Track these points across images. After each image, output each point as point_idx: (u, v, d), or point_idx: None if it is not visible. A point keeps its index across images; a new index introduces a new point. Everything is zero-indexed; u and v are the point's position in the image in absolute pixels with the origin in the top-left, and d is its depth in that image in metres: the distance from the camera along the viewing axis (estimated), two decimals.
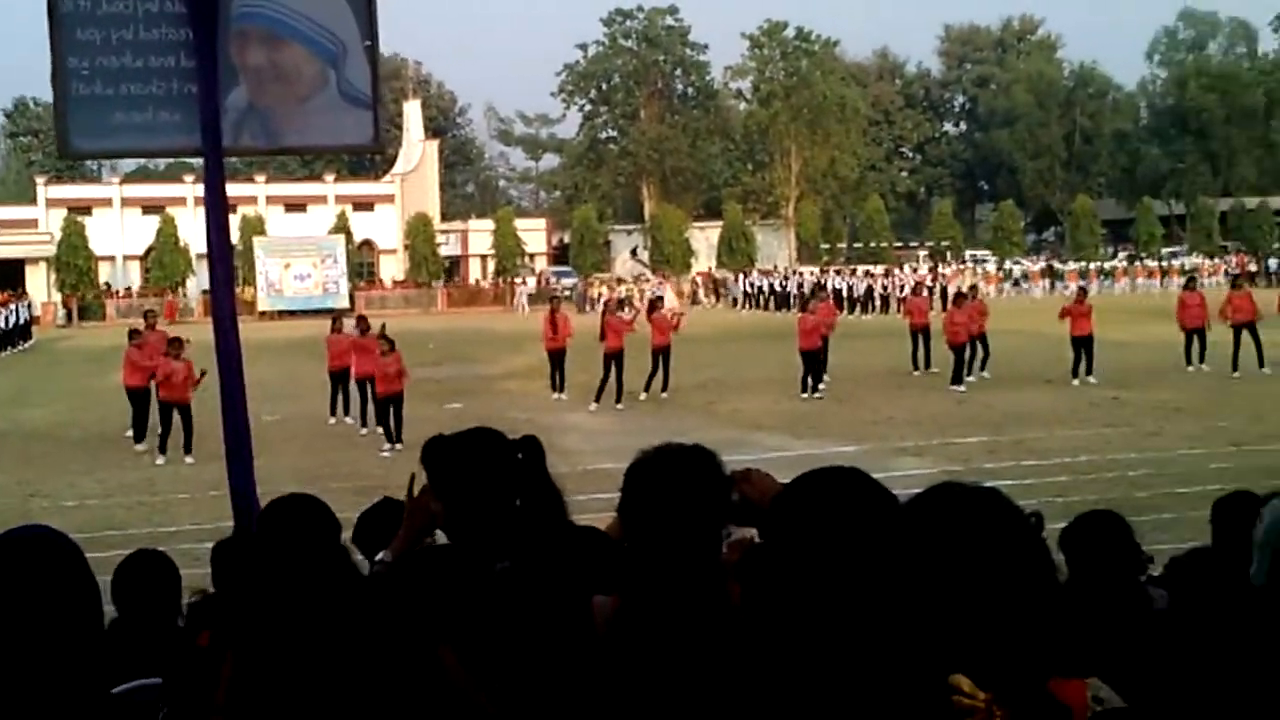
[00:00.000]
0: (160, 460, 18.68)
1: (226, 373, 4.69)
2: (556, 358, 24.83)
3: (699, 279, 71.14)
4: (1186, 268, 61.91)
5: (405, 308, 64.60)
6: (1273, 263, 67.67)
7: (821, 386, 24.04)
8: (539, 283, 66.25)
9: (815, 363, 23.99)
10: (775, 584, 2.16)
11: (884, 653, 1.87)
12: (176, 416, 18.77)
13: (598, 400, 23.11)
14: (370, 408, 20.78)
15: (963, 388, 24.08)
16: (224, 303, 4.79)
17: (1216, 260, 70.51)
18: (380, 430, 19.68)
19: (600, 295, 55.97)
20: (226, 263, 4.69)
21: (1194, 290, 26.50)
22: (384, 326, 21.05)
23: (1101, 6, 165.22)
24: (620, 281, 62.85)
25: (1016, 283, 67.31)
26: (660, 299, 28.35)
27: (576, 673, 2.68)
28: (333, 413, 22.41)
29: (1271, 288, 51.86)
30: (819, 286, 37.29)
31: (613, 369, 23.29)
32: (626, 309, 28.65)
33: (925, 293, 41.97)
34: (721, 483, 2.72)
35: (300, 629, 3.03)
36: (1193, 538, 6.66)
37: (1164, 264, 70.54)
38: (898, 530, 1.93)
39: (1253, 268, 62.75)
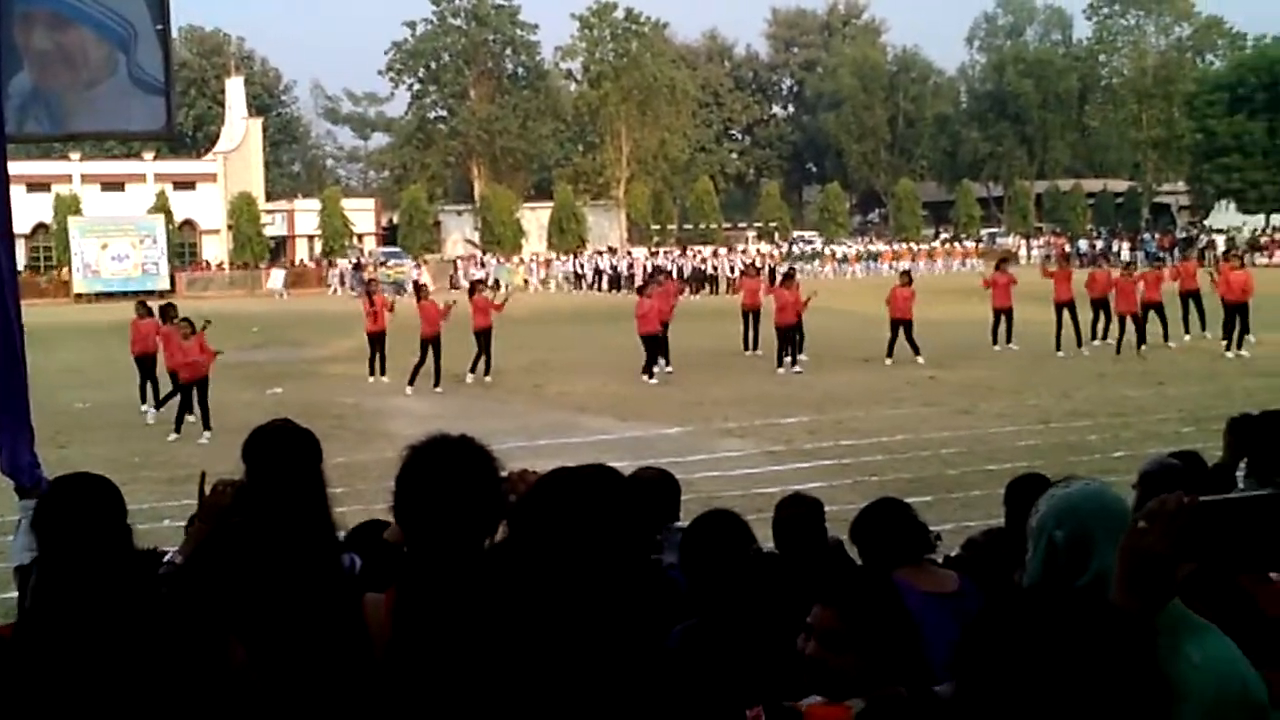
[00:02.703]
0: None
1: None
2: (376, 341, 24.51)
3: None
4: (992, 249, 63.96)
5: (230, 289, 63.18)
6: (1083, 244, 70.16)
7: (669, 370, 24.12)
8: (361, 265, 65.11)
9: (655, 346, 24.07)
10: (511, 577, 2.18)
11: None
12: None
13: (411, 384, 22.86)
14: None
15: (784, 370, 24.42)
16: (8, 287, 4.62)
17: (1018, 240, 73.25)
18: (192, 417, 18.95)
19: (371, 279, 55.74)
20: (9, 249, 4.52)
21: (1005, 271, 27.21)
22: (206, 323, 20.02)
23: None
24: (379, 266, 61.93)
25: (843, 261, 68.53)
26: (482, 281, 28.22)
27: (346, 671, 2.65)
28: (144, 400, 21.61)
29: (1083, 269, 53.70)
30: (658, 270, 37.38)
31: (429, 352, 23.12)
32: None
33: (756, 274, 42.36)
34: (492, 477, 2.72)
35: (80, 606, 2.97)
36: (1000, 514, 6.87)
37: (981, 245, 72.74)
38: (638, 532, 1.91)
39: (1068, 248, 64.92)
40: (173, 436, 18.36)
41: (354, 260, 65.86)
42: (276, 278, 63.32)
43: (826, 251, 70.09)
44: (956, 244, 73.14)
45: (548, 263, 68.09)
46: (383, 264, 63.14)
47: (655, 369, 23.91)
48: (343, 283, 63.10)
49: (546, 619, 2.08)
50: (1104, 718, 1.62)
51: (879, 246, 72.27)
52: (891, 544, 4.53)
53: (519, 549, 2.21)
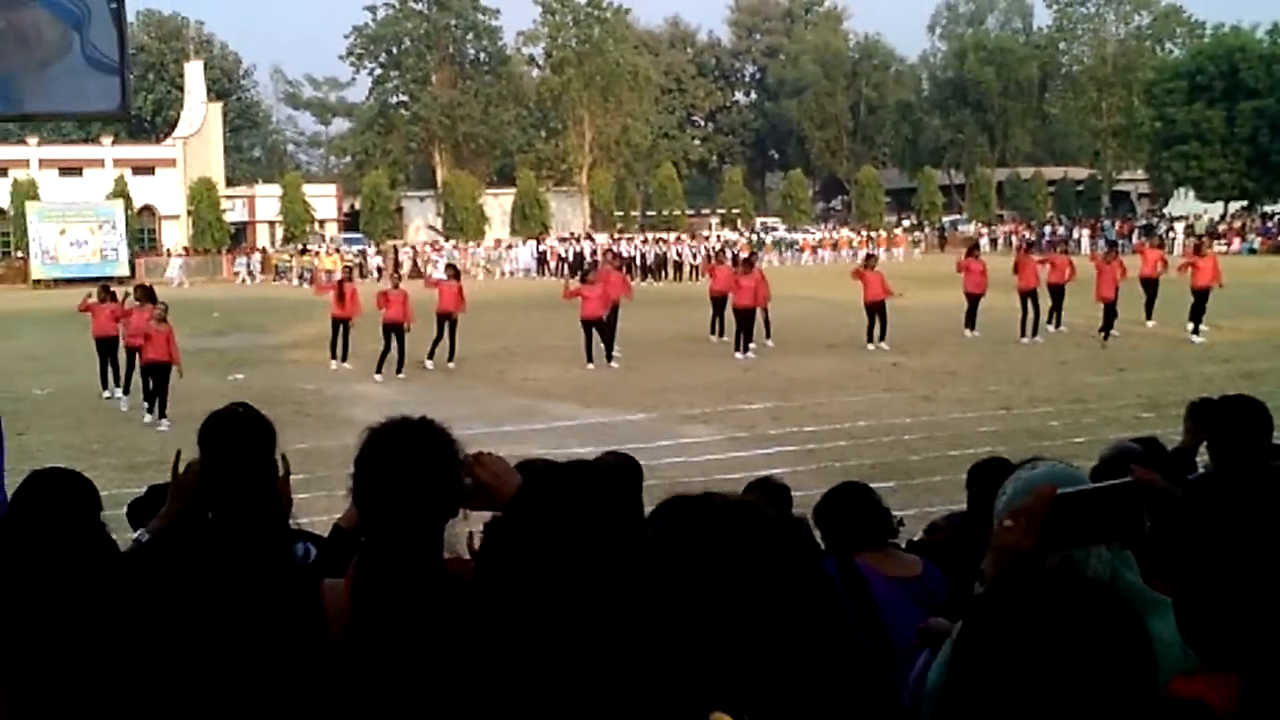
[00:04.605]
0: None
1: None
2: (340, 326, 24.34)
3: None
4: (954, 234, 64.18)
5: (191, 275, 62.75)
6: (1048, 230, 70.58)
7: (613, 364, 24.03)
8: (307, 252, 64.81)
9: (596, 330, 23.93)
10: (509, 567, 2.15)
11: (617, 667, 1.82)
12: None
13: (379, 371, 22.76)
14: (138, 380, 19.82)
15: (741, 355, 24.45)
16: None
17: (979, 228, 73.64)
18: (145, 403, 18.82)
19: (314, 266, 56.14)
20: None
21: (977, 257, 27.32)
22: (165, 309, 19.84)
23: None
24: (315, 253, 61.93)
25: (815, 250, 68.69)
26: (452, 266, 28.07)
27: (299, 657, 2.62)
28: (104, 386, 21.39)
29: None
30: (614, 255, 37.31)
31: (393, 339, 23.02)
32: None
33: (723, 260, 42.33)
34: (451, 459, 2.69)
35: (57, 602, 2.94)
36: (961, 500, 6.89)
37: (944, 232, 73.12)
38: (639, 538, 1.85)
39: (1030, 236, 65.27)
40: (148, 418, 18.21)
41: (301, 246, 65.98)
42: (174, 265, 62.38)
43: (801, 239, 70.30)
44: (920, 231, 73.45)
45: (509, 247, 67.88)
46: (303, 252, 63.31)
47: (596, 357, 23.76)
48: (250, 273, 63.54)
49: (534, 610, 2.06)
50: (1098, 693, 1.62)
51: (814, 235, 72.55)
52: (855, 528, 4.52)
53: (526, 535, 2.18)
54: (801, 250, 67.64)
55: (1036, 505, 2.29)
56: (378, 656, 2.53)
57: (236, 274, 64.24)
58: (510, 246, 67.93)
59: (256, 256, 66.31)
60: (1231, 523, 1.99)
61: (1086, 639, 1.65)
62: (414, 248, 65.83)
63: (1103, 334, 25.06)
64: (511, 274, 63.37)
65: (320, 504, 8.18)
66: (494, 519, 2.56)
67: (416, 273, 52.44)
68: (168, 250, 67.60)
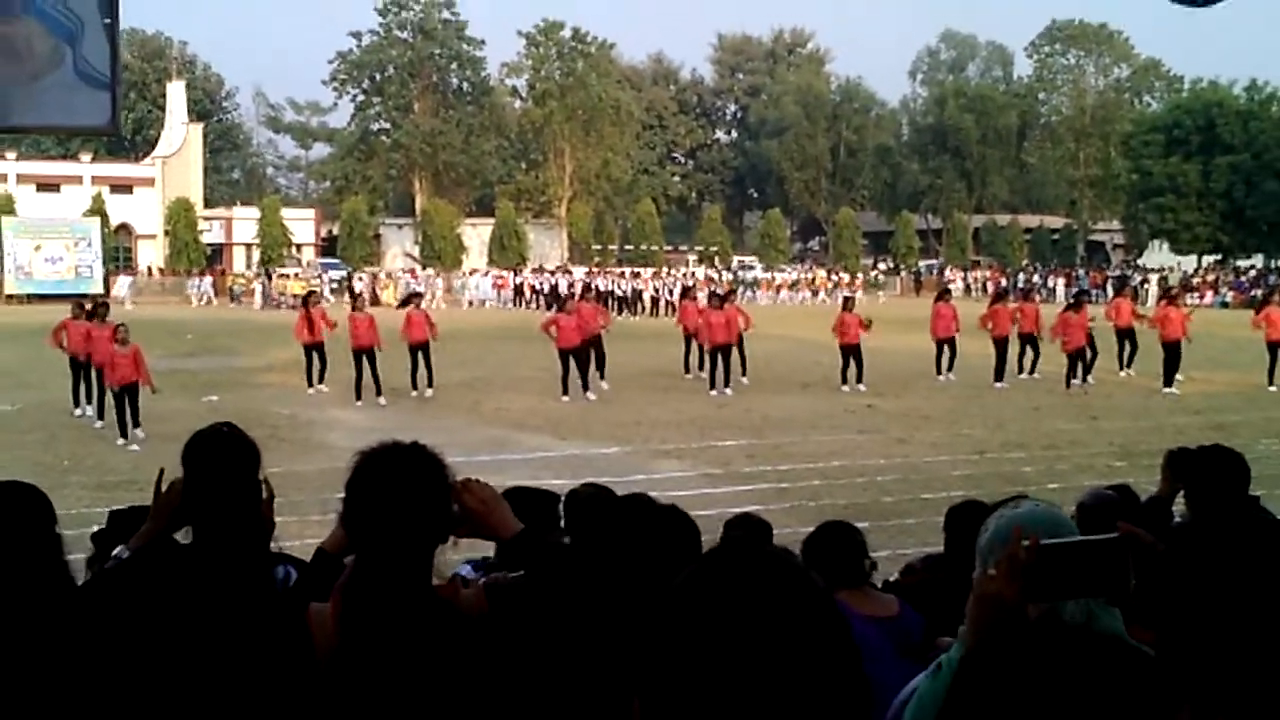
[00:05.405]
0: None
1: None
2: (313, 351, 24.32)
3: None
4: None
5: (165, 295, 62.51)
6: (1021, 278, 70.97)
7: (591, 396, 23.96)
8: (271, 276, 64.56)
9: (573, 361, 23.89)
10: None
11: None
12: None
13: (359, 398, 22.73)
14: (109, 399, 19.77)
15: (716, 392, 24.41)
16: None
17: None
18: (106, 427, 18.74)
19: (285, 290, 56.08)
20: None
21: (947, 302, 27.43)
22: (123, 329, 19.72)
23: (868, 24, 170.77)
24: (295, 278, 61.91)
25: (794, 286, 69.13)
26: (419, 295, 28.15)
27: (279, 679, 2.60)
28: (76, 403, 21.27)
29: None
30: (586, 287, 37.34)
31: (364, 364, 23.00)
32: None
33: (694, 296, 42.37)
34: (443, 487, 2.68)
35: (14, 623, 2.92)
36: (935, 542, 6.90)
37: (920, 276, 73.43)
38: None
39: (1004, 283, 65.60)
40: (120, 441, 18.08)
41: (262, 270, 66.17)
42: (122, 284, 61.60)
43: (771, 277, 70.71)
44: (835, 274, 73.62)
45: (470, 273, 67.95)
46: (268, 276, 63.35)
47: (572, 386, 23.71)
48: (203, 298, 63.34)
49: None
50: None
51: (789, 274, 72.90)
52: (836, 566, 4.53)
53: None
54: (761, 289, 68.01)
55: (1020, 554, 2.29)
56: (365, 680, 2.51)
57: (189, 295, 63.64)
58: (472, 272, 68.03)
59: (208, 280, 65.78)
60: (1220, 572, 2.00)
61: (1067, 691, 1.63)
62: (374, 276, 65.45)
63: (1081, 380, 25.20)
64: (471, 303, 63.33)
65: (293, 528, 8.10)
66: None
67: (375, 300, 52.24)
68: (201, 270, 67.55)
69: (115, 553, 3.31)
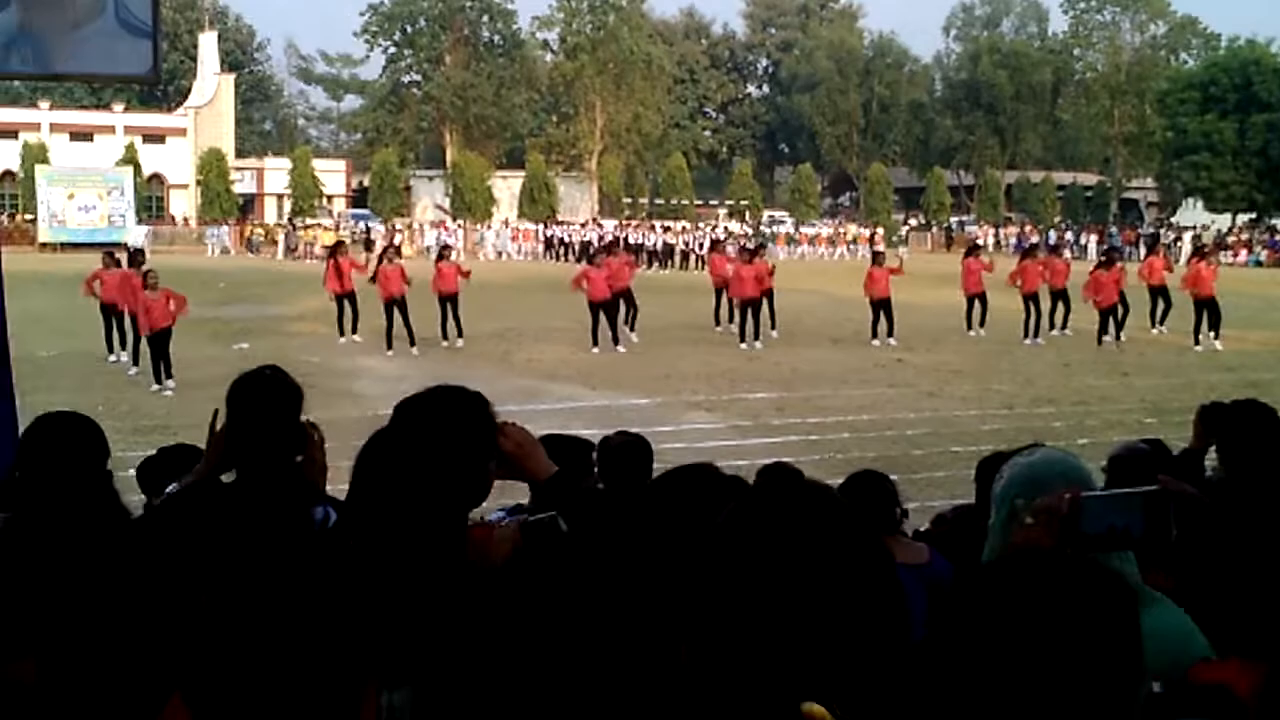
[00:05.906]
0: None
1: None
2: (345, 300, 24.47)
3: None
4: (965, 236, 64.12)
5: (197, 245, 62.72)
6: (1052, 235, 70.47)
7: (620, 348, 24.00)
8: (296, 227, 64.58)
9: (603, 313, 23.95)
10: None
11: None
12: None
13: (390, 347, 22.87)
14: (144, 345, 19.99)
15: (746, 345, 24.43)
16: None
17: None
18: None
19: (314, 241, 55.93)
20: None
21: (977, 257, 27.31)
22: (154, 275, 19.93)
23: None
24: (324, 229, 61.83)
25: (812, 243, 68.82)
26: (449, 247, 28.23)
27: (316, 614, 2.65)
28: (111, 350, 21.52)
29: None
30: (615, 241, 37.30)
31: (395, 313, 23.14)
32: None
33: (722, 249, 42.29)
34: (490, 426, 2.73)
35: (70, 554, 2.98)
36: (963, 494, 6.95)
37: (951, 232, 72.98)
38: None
39: (1035, 239, 65.19)
40: (155, 387, 18.29)
41: (289, 221, 66.35)
42: (138, 233, 59.81)
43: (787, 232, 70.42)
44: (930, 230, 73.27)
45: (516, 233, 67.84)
46: (294, 227, 63.34)
47: (602, 338, 23.78)
48: (220, 248, 63.14)
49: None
50: (1083, 681, 1.62)
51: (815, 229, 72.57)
52: (869, 514, 4.57)
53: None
54: (777, 243, 67.73)
55: (1059, 505, 2.31)
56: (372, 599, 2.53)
57: (206, 245, 63.29)
58: (488, 226, 68.16)
59: (224, 229, 65.58)
60: (1255, 525, 2.01)
61: (1075, 614, 1.64)
62: (392, 228, 65.32)
63: (1115, 338, 25.14)
64: (499, 255, 63.48)
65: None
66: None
67: (396, 253, 52.06)
68: (235, 220, 67.84)
69: (170, 489, 3.38)
